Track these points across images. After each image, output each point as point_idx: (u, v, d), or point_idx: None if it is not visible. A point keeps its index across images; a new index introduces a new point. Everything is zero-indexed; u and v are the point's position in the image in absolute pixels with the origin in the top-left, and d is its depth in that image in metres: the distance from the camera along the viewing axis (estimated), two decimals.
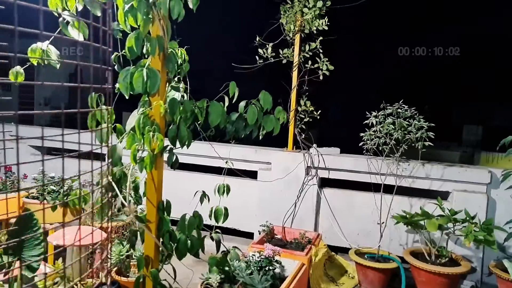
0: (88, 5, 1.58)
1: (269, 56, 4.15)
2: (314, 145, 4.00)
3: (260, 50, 4.08)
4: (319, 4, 3.84)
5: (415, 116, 3.33)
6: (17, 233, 1.97)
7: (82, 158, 1.20)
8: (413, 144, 3.34)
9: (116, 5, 1.61)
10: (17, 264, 1.89)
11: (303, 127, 4.14)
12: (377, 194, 3.63)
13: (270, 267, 2.60)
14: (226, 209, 1.98)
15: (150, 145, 1.44)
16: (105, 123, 1.55)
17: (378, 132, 3.39)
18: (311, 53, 4.10)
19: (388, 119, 3.37)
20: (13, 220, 3.61)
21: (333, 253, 3.61)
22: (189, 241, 1.62)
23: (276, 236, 3.71)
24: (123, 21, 1.52)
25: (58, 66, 1.70)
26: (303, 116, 4.15)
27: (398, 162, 3.52)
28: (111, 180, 1.47)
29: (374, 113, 3.45)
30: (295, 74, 4.20)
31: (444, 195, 3.65)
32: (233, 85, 1.76)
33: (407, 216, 3.30)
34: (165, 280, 1.61)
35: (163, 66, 1.56)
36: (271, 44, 4.17)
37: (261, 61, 4.17)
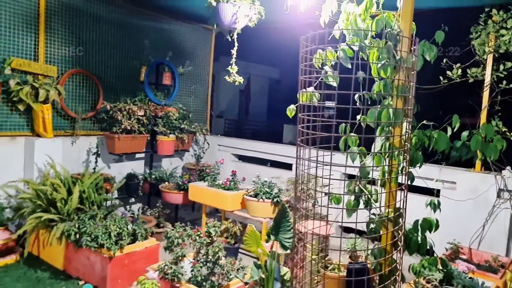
0: (342, 61, 2.20)
1: (455, 77, 4.22)
2: (508, 167, 3.88)
3: (448, 72, 4.19)
4: None
5: None
6: (276, 221, 2.75)
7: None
8: None
9: (365, 60, 2.18)
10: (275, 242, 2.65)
11: None
12: None
13: None
14: (437, 220, 2.32)
15: (398, 165, 1.93)
16: (355, 146, 2.14)
17: None
18: (505, 73, 4.00)
19: None
20: (236, 212, 4.70)
21: None
22: (419, 242, 2.04)
23: (461, 255, 3.75)
24: (376, 73, 2.07)
25: (317, 103, 2.39)
26: None
27: None
28: (361, 186, 2.03)
29: None
30: (486, 94, 4.15)
31: None
32: (455, 118, 2.11)
33: None
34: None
35: (403, 105, 2.04)
36: (458, 65, 4.23)
37: (445, 81, 4.28)
